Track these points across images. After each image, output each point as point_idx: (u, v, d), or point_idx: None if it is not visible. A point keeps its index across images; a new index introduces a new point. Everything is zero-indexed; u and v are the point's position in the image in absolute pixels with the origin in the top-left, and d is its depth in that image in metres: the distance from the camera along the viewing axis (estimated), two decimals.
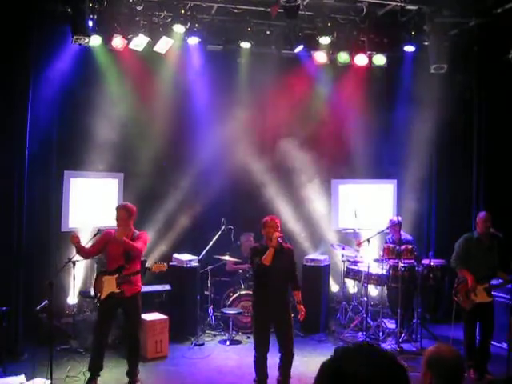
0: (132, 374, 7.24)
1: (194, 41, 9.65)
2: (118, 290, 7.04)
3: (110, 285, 7.06)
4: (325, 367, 1.72)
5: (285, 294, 6.97)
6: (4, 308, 7.81)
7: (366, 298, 9.41)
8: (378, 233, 9.48)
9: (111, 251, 7.20)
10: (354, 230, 10.73)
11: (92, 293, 7.84)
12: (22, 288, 8.37)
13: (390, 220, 9.64)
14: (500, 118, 9.83)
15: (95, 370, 7.11)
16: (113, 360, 7.91)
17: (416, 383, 3.44)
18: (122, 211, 7.18)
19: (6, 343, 7.88)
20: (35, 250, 8.96)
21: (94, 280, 7.51)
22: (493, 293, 7.76)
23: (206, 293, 9.76)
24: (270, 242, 6.75)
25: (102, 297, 7.09)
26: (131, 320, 7.29)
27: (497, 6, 8.84)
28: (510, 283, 7.77)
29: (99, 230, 7.33)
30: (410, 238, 9.54)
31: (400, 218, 9.45)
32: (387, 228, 9.53)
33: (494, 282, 7.72)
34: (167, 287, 9.45)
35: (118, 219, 7.17)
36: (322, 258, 10.07)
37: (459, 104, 10.33)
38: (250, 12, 9.46)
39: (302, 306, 7.00)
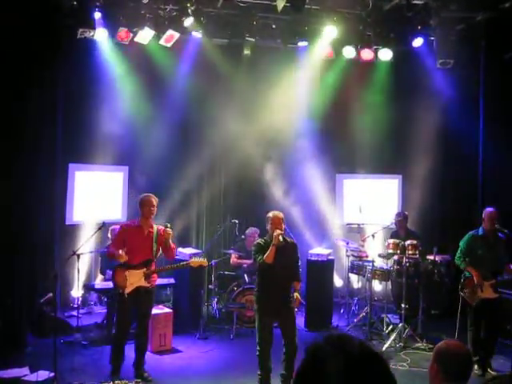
0: (140, 365, 7.21)
1: (199, 34, 9.64)
2: (147, 284, 7.00)
3: (137, 279, 6.95)
4: (300, 370, 1.72)
5: (288, 288, 6.96)
6: (9, 300, 7.85)
7: (370, 293, 9.41)
8: (383, 228, 9.48)
9: (135, 244, 7.04)
10: (358, 224, 10.73)
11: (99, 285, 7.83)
12: (26, 281, 8.38)
13: (397, 213, 9.66)
14: (506, 113, 9.78)
15: (118, 363, 7.09)
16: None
17: (420, 378, 3.44)
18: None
19: (11, 335, 7.91)
20: (40, 242, 8.96)
21: (113, 274, 7.24)
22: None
23: (210, 286, 9.77)
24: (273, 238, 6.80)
25: (127, 291, 6.94)
26: (145, 312, 7.24)
27: (504, 1, 8.80)
28: None
29: (104, 224, 7.31)
30: (416, 231, 9.55)
31: (406, 213, 9.46)
32: (393, 222, 9.54)
33: (504, 277, 7.71)
34: (171, 281, 9.46)
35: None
36: (326, 252, 10.05)
37: (465, 99, 10.29)
38: (255, 5, 9.44)
39: (297, 294, 6.94)
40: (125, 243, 7.06)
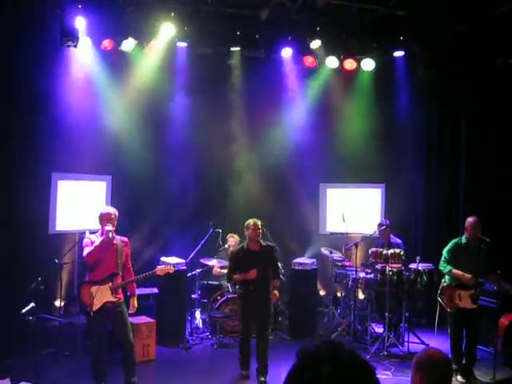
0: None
1: (183, 44, 9.66)
2: (114, 299, 6.78)
3: (104, 294, 6.74)
4: (290, 373, 1.75)
5: (267, 286, 7.58)
6: None
7: (353, 302, 9.43)
8: (366, 237, 9.50)
9: (100, 258, 6.80)
10: (342, 233, 10.74)
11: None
12: (7, 290, 8.29)
13: (378, 224, 9.68)
14: (488, 123, 9.89)
15: (101, 377, 6.92)
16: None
17: None
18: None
19: None
20: (22, 252, 8.89)
21: (78, 292, 7.02)
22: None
23: (193, 296, 9.73)
24: (251, 244, 7.58)
25: (95, 308, 6.72)
26: (124, 325, 6.94)
27: (486, 12, 8.91)
28: (503, 287, 7.67)
29: (86, 233, 7.21)
30: (399, 241, 9.57)
31: (388, 222, 9.50)
32: (376, 232, 9.57)
33: (487, 287, 7.77)
34: (154, 290, 9.41)
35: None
36: (309, 261, 10.07)
37: (448, 109, 10.38)
38: (239, 15, 9.47)
39: (275, 292, 7.73)
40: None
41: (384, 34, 9.96)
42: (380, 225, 9.57)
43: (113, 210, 6.99)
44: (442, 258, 7.79)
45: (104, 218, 6.87)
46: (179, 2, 9.17)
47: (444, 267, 7.75)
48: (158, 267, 7.33)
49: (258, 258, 7.53)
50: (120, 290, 6.98)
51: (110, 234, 6.78)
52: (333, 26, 9.78)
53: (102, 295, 6.76)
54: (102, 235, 6.85)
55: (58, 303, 9.26)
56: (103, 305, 6.77)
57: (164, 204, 10.70)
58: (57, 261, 7.59)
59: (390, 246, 9.25)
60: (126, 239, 7.13)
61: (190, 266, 9.62)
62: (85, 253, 6.82)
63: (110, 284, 6.79)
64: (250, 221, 7.62)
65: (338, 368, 1.65)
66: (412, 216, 11.04)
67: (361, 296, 10.69)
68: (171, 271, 7.35)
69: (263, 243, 7.73)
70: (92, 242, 6.83)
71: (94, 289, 6.75)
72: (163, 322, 8.91)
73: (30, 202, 9.15)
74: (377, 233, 9.59)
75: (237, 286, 8.06)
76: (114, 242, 6.90)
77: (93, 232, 7.19)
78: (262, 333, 7.59)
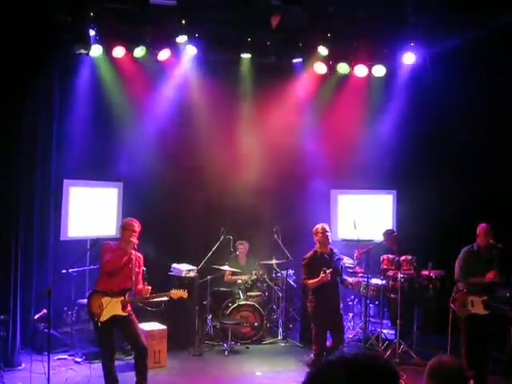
0: None
1: (194, 51, 9.70)
2: (124, 313, 6.70)
3: (114, 308, 6.63)
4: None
5: (338, 291, 7.97)
6: (2, 316, 7.78)
7: (365, 309, 9.38)
8: (376, 244, 9.45)
9: (120, 270, 6.73)
10: (353, 240, 10.69)
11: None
12: (19, 297, 8.32)
13: (385, 232, 9.68)
14: (498, 130, 9.83)
15: (113, 383, 6.85)
16: None
17: None
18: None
19: (4, 352, 7.84)
20: (34, 258, 8.92)
21: (88, 300, 6.89)
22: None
23: (204, 303, 9.72)
24: (323, 249, 7.76)
25: (102, 320, 6.62)
26: (136, 332, 6.90)
27: (497, 20, 8.87)
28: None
29: (98, 240, 7.21)
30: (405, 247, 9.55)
31: (392, 228, 9.49)
32: (382, 241, 9.54)
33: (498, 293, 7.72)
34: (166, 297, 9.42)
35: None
36: None
37: (458, 116, 10.33)
38: (250, 22, 9.48)
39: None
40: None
41: (395, 40, 9.94)
42: (386, 234, 9.57)
43: (136, 222, 6.94)
44: (458, 267, 7.71)
45: (127, 228, 6.84)
46: (190, 9, 9.19)
47: (461, 276, 7.67)
48: (173, 290, 7.08)
49: (331, 261, 7.82)
50: (129, 305, 6.91)
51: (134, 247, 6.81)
52: (343, 33, 9.77)
53: (111, 308, 6.65)
54: (122, 245, 6.83)
55: (69, 309, 9.27)
56: (112, 317, 6.67)
57: (175, 211, 10.70)
58: (68, 267, 7.58)
59: (400, 251, 9.23)
60: (140, 255, 7.03)
61: (201, 272, 9.62)
62: (105, 259, 6.75)
63: (122, 298, 6.71)
64: (318, 226, 7.82)
65: (348, 372, 1.65)
66: (423, 222, 10.95)
67: (372, 303, 10.63)
68: (185, 296, 7.11)
69: (332, 247, 8.01)
70: (112, 250, 6.80)
71: (104, 300, 6.66)
72: (174, 329, 8.91)
73: (41, 209, 9.18)
74: (384, 241, 9.57)
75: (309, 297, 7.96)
76: (132, 256, 6.83)
77: (104, 239, 7.21)
78: (340, 344, 7.84)
